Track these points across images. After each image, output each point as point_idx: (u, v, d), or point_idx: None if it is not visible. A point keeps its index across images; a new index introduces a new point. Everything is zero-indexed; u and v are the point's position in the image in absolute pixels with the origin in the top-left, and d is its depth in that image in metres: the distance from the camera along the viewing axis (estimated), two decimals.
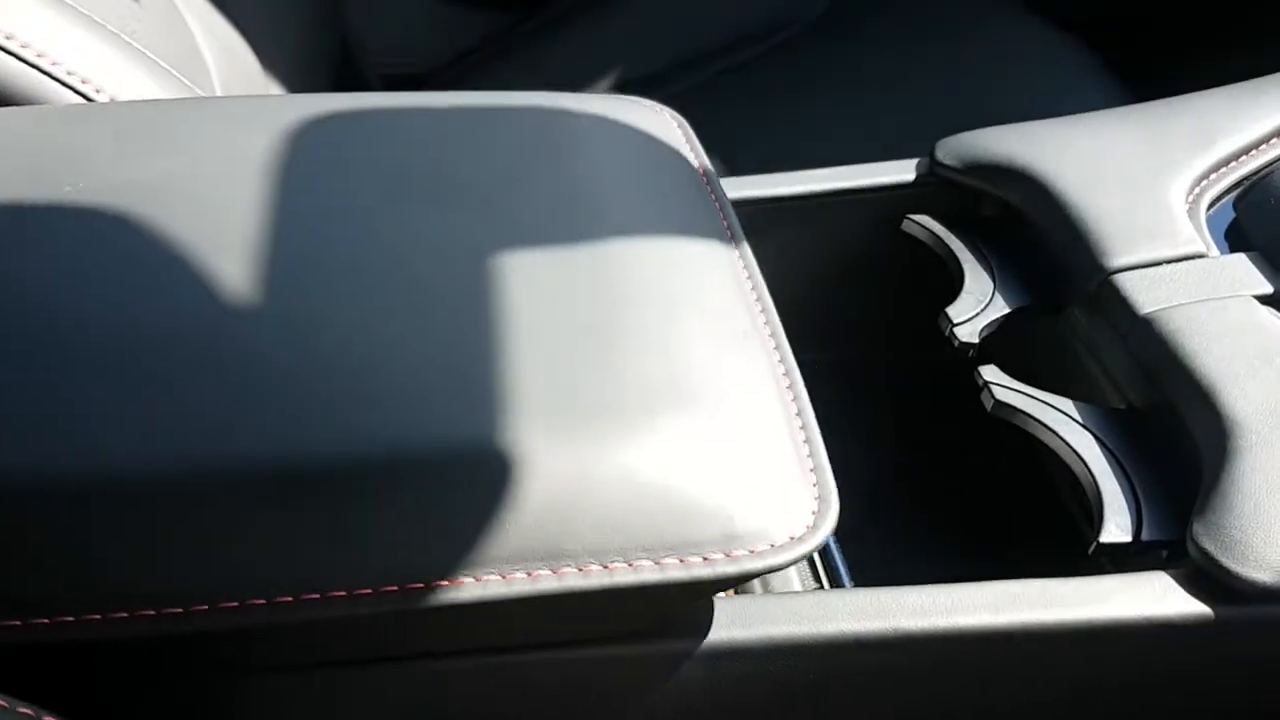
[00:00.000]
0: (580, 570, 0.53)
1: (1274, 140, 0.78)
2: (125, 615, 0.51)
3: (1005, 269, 0.77)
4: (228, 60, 0.93)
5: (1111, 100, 1.12)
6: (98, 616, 0.51)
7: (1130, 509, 0.63)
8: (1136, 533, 0.63)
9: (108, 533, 0.51)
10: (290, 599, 0.51)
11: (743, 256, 0.65)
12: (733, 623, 0.57)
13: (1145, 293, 0.70)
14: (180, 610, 0.51)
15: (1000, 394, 0.69)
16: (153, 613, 0.51)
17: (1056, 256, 0.75)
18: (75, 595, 0.51)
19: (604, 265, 0.61)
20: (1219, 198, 0.76)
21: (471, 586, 0.52)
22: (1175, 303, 0.69)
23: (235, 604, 0.51)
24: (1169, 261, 0.71)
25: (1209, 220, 0.75)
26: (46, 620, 0.51)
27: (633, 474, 0.53)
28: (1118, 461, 0.65)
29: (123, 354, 0.55)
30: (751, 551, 0.53)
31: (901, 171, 0.81)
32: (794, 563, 0.54)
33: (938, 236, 0.78)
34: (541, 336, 0.57)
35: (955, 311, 0.74)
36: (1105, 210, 0.73)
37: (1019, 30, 1.26)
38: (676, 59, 1.26)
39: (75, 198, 0.61)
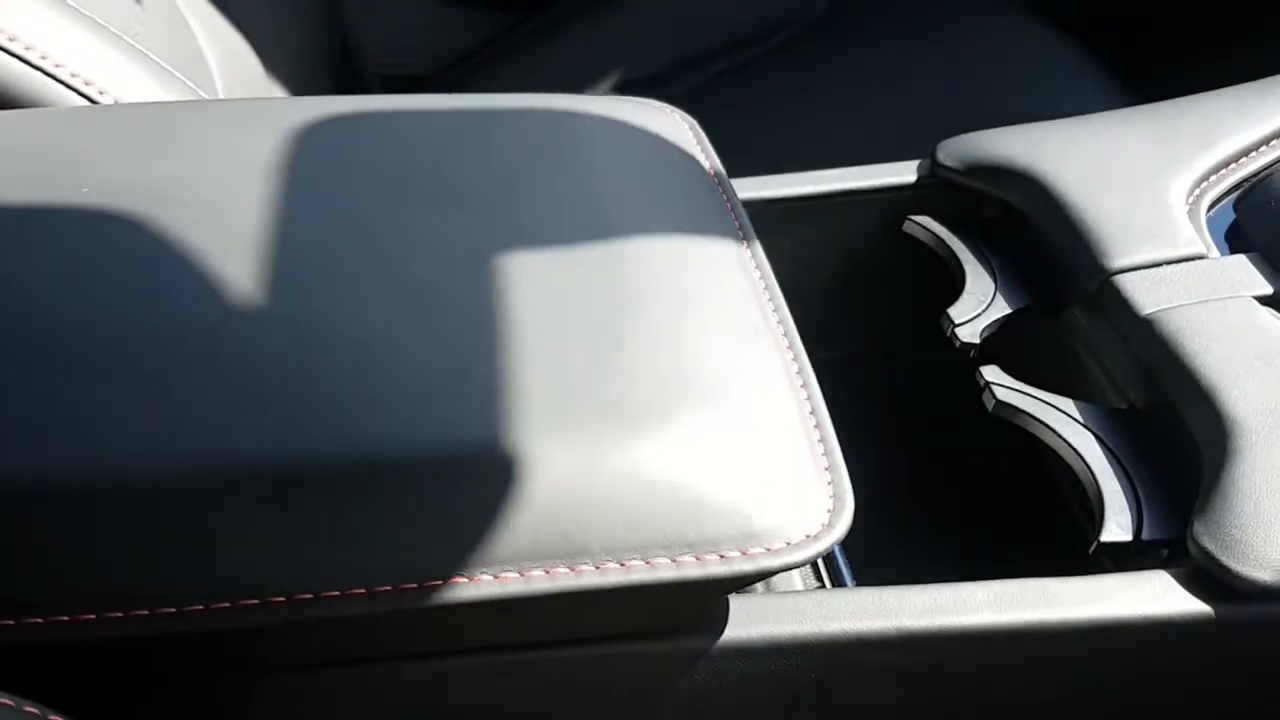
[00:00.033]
0: (598, 568, 0.53)
1: (1274, 142, 0.78)
2: (130, 615, 0.51)
3: (1006, 270, 0.77)
4: (230, 62, 0.94)
5: (1111, 101, 1.13)
6: (102, 615, 0.51)
7: (1131, 508, 0.64)
8: (1137, 532, 0.63)
9: (111, 533, 0.52)
10: (309, 596, 0.52)
11: (755, 255, 0.66)
12: (735, 622, 0.58)
13: (1146, 293, 0.70)
14: (187, 609, 0.51)
15: (1001, 394, 0.69)
16: (161, 611, 0.51)
17: (1057, 257, 0.75)
18: (78, 595, 0.51)
19: (613, 265, 0.61)
20: (1219, 199, 0.76)
21: (489, 584, 0.52)
22: (1176, 303, 0.69)
23: (241, 603, 0.51)
24: (1169, 262, 0.71)
25: (1209, 221, 0.75)
26: (50, 619, 0.51)
27: (646, 472, 0.53)
28: (1118, 461, 0.66)
29: (126, 356, 0.55)
30: (768, 549, 0.53)
31: (903, 173, 0.81)
32: (811, 560, 0.54)
33: (939, 237, 0.79)
34: (547, 336, 0.57)
35: (956, 312, 0.74)
36: (1106, 211, 0.73)
37: (1019, 30, 1.26)
38: (676, 60, 1.26)
39: (79, 200, 0.61)
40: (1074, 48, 1.24)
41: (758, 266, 0.65)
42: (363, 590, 0.52)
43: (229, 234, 0.60)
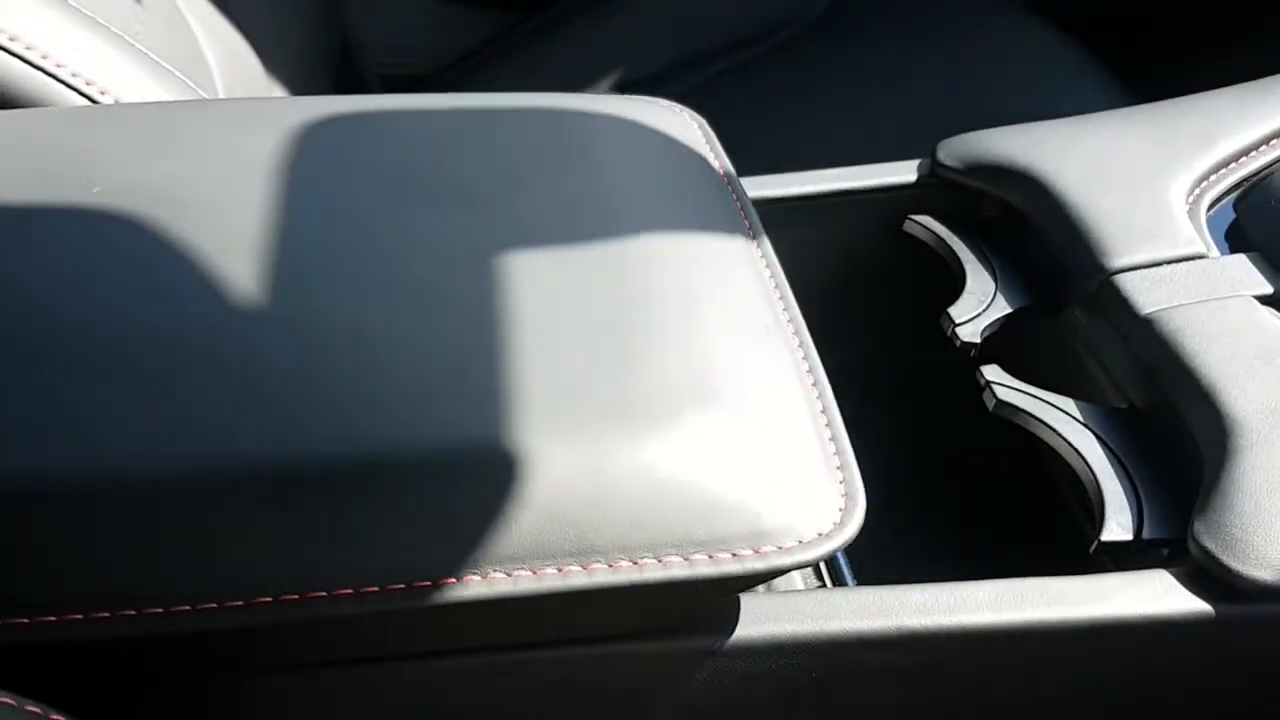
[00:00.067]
0: (611, 566, 0.53)
1: (1274, 141, 0.78)
2: (131, 613, 0.51)
3: (1007, 269, 0.77)
4: (230, 62, 0.94)
5: (1112, 101, 1.13)
6: (90, 615, 0.51)
7: (1131, 507, 0.64)
8: (1137, 531, 0.63)
9: (112, 533, 0.52)
10: (314, 595, 0.52)
11: (765, 254, 0.66)
12: (736, 621, 0.58)
13: (1146, 293, 0.70)
14: (187, 608, 0.51)
15: (1002, 393, 0.69)
16: (160, 611, 0.51)
17: (1057, 257, 0.75)
18: (80, 594, 0.51)
19: (620, 264, 0.61)
20: (1219, 198, 0.76)
21: (502, 581, 0.52)
22: (1176, 303, 0.69)
23: (231, 603, 0.51)
24: (1169, 262, 0.71)
25: (1209, 221, 0.75)
26: (37, 619, 0.51)
27: (653, 471, 0.53)
28: (1119, 460, 0.66)
29: (126, 356, 0.55)
30: (780, 548, 0.53)
31: (903, 172, 0.81)
32: (823, 558, 0.54)
33: (939, 237, 0.79)
34: (549, 336, 0.57)
35: (957, 311, 0.74)
36: (1106, 211, 0.73)
37: (1019, 30, 1.26)
38: (676, 59, 1.26)
39: (79, 199, 0.61)
40: (1074, 47, 1.24)
41: (768, 265, 0.65)
42: (375, 589, 0.52)
43: (229, 234, 0.60)
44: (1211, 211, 0.75)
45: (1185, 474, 0.63)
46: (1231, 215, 0.76)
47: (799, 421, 0.57)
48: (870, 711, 0.61)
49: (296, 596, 0.51)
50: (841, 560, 0.74)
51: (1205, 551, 0.59)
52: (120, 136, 0.66)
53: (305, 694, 0.57)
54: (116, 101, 0.74)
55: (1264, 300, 0.70)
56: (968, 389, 0.71)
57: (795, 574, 0.71)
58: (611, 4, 1.30)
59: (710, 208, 0.67)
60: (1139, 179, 0.75)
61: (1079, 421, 0.67)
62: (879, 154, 0.83)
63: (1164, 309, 0.69)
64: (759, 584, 0.57)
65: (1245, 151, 0.77)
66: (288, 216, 0.61)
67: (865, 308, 0.84)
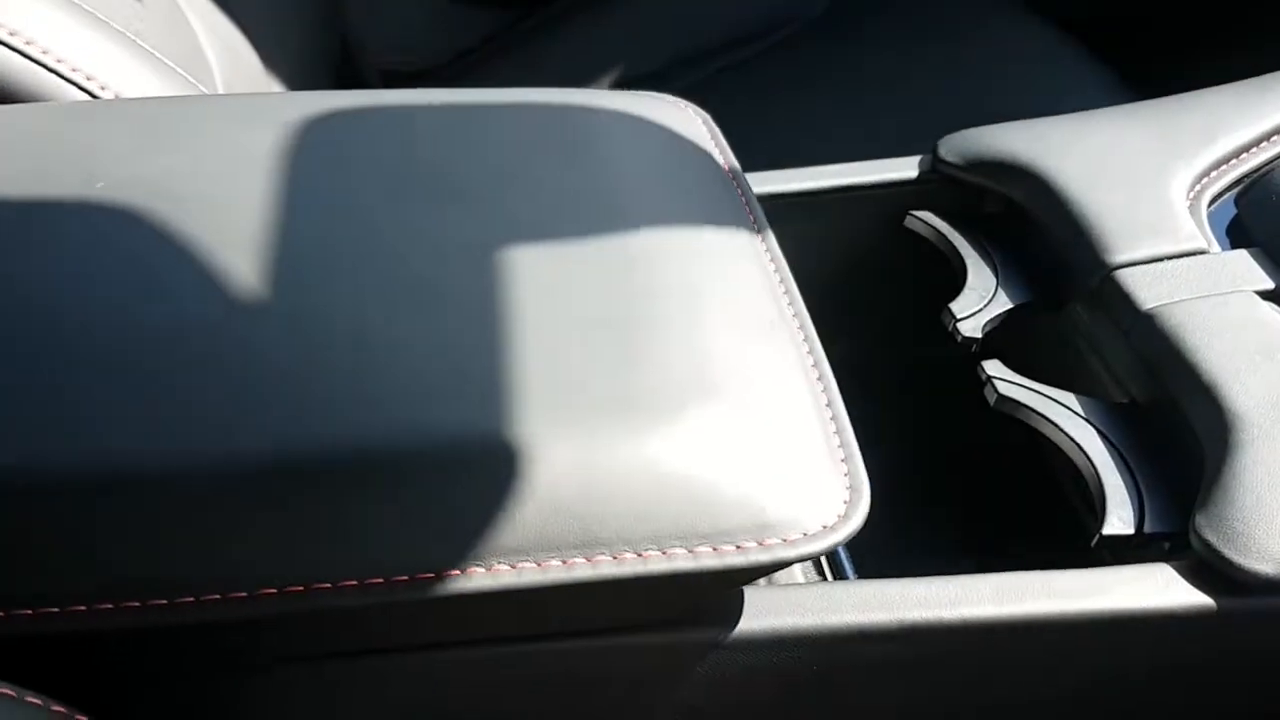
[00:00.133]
0: (615, 558, 0.53)
1: (1275, 138, 0.78)
2: (137, 605, 0.51)
3: (1008, 265, 0.77)
4: (230, 60, 0.94)
5: (1112, 100, 1.11)
6: (109, 605, 0.51)
7: (1133, 502, 0.64)
8: (1139, 525, 0.63)
9: (115, 528, 0.52)
10: (319, 587, 0.52)
11: (770, 248, 0.66)
12: (737, 614, 0.58)
13: (1147, 288, 0.70)
14: (191, 599, 0.51)
15: (1003, 388, 0.69)
16: (164, 602, 0.51)
17: (1059, 252, 0.75)
18: (83, 587, 0.51)
19: (623, 259, 0.61)
20: (1220, 194, 0.76)
21: (506, 574, 0.52)
22: (1177, 298, 0.69)
23: (233, 595, 0.51)
24: (1171, 257, 0.71)
25: (1210, 217, 0.75)
26: (40, 611, 0.51)
27: (657, 463, 0.53)
28: (1120, 455, 0.66)
29: (126, 353, 0.55)
30: (784, 540, 0.53)
31: (904, 168, 0.81)
32: (828, 550, 0.54)
33: (941, 233, 0.79)
34: (549, 331, 0.57)
35: (958, 307, 0.74)
36: (1107, 207, 0.73)
37: (1019, 30, 1.26)
38: (677, 57, 1.26)
39: (79, 195, 0.61)
40: (1074, 47, 1.24)
41: (773, 260, 0.65)
42: (379, 580, 0.52)
43: (228, 229, 0.60)
44: (1213, 207, 0.75)
45: (1186, 469, 0.63)
46: (1233, 211, 0.76)
47: (803, 415, 0.57)
48: (871, 705, 0.61)
49: (301, 588, 0.52)
50: (843, 555, 0.74)
51: (1207, 545, 0.59)
52: (120, 131, 0.66)
53: (308, 686, 0.57)
54: (116, 97, 0.74)
55: (1265, 295, 0.70)
56: (969, 384, 0.71)
57: (796, 569, 0.71)
58: (611, 2, 1.30)
59: (715, 202, 0.67)
60: (1140, 175, 0.75)
61: (1080, 416, 0.67)
62: (879, 153, 0.83)
63: (1165, 304, 0.69)
64: (762, 576, 0.57)
65: (1246, 148, 0.77)
66: (287, 212, 0.61)
67: (867, 303, 0.84)
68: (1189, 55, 1.25)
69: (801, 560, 0.54)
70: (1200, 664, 0.62)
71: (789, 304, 0.63)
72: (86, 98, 0.74)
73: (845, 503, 0.55)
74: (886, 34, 1.27)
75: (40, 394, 0.54)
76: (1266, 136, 0.77)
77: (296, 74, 1.04)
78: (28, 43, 0.72)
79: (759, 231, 0.66)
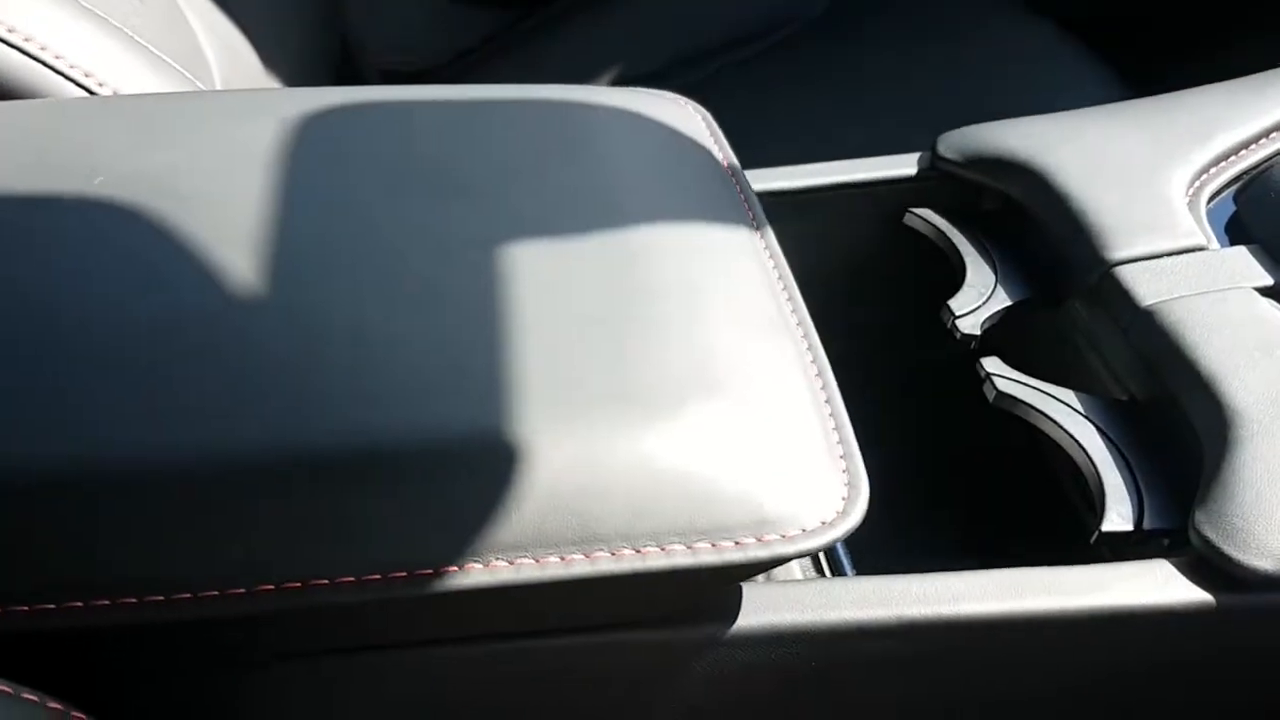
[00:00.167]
0: (613, 554, 0.53)
1: (1274, 134, 0.78)
2: (133, 601, 0.51)
3: (1007, 262, 0.77)
4: (229, 59, 0.94)
5: (1111, 99, 1.12)
6: (106, 601, 0.51)
7: (1132, 498, 0.64)
8: (1138, 521, 0.63)
9: (111, 523, 0.52)
10: (314, 583, 0.51)
11: (769, 245, 0.66)
12: (736, 610, 0.57)
13: (1146, 285, 0.70)
14: (188, 596, 0.51)
15: (1002, 385, 0.69)
16: (161, 598, 0.51)
17: (1057, 249, 0.75)
18: (80, 583, 0.51)
19: (622, 256, 0.61)
20: (1219, 191, 0.76)
21: (504, 570, 0.52)
22: (1176, 295, 0.69)
23: (232, 591, 0.51)
24: (1169, 254, 0.71)
25: (1209, 213, 0.75)
26: (52, 605, 0.51)
27: (656, 460, 0.53)
28: (1119, 452, 0.66)
29: (124, 349, 0.55)
30: (783, 536, 0.53)
31: (903, 165, 0.81)
32: (826, 546, 0.54)
33: (939, 230, 0.79)
34: (548, 328, 0.57)
35: (957, 304, 0.74)
36: (1106, 203, 0.73)
37: (1019, 30, 1.26)
38: (676, 56, 1.26)
39: (77, 190, 0.61)
40: (1074, 47, 1.24)
41: (772, 257, 0.65)
42: (377, 576, 0.52)
43: (226, 225, 0.60)
44: (1211, 204, 0.75)
45: (1186, 465, 0.63)
46: (1231, 208, 0.76)
47: (802, 411, 0.57)
48: (870, 702, 0.61)
49: (298, 584, 0.51)
50: (842, 554, 0.74)
51: (1206, 541, 0.59)
52: (118, 128, 0.66)
53: (306, 682, 0.57)
54: (114, 93, 0.74)
55: (1264, 292, 0.69)
56: (968, 384, 0.71)
57: (795, 565, 0.70)
58: (611, 2, 1.30)
59: (714, 199, 0.67)
60: (1139, 172, 0.75)
61: (1079, 413, 0.67)
62: (879, 152, 0.82)
63: (1164, 301, 0.69)
64: (761, 572, 0.57)
65: (1245, 144, 0.77)
66: (285, 208, 0.61)
67: (865, 301, 0.84)
68: (1188, 54, 1.25)
69: (800, 556, 0.54)
70: (1199, 661, 0.62)
71: (788, 301, 0.63)
72: (84, 94, 0.74)
73: (844, 499, 0.55)
74: (886, 33, 1.27)
75: (34, 390, 0.54)
76: (1265, 133, 0.77)
77: (296, 73, 1.04)
78: (26, 39, 0.72)
79: (758, 228, 0.66)
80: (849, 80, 1.22)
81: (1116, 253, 0.71)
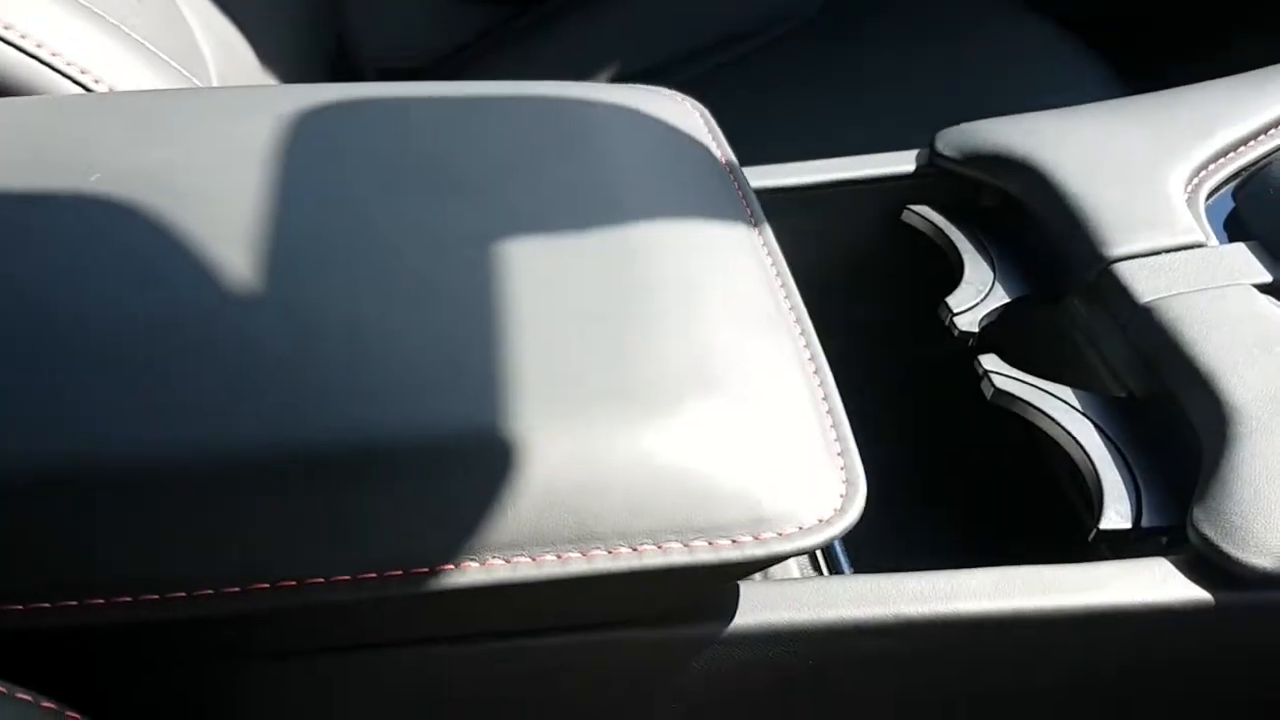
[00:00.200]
0: (610, 552, 0.52)
1: (1273, 131, 0.78)
2: (128, 600, 0.51)
3: (1005, 259, 0.77)
4: (225, 56, 0.94)
5: (1111, 97, 1.12)
6: (100, 601, 0.51)
7: (1130, 496, 0.63)
8: (1136, 519, 0.63)
9: (106, 521, 0.51)
10: (311, 581, 0.51)
11: (767, 242, 0.65)
12: (733, 609, 0.57)
13: (1144, 282, 0.70)
14: (183, 595, 0.51)
15: (1000, 382, 0.69)
16: (155, 597, 0.51)
17: (1056, 246, 0.75)
18: (74, 582, 0.51)
19: (619, 252, 0.61)
20: (1218, 188, 0.76)
21: (500, 568, 0.52)
22: (1174, 291, 0.69)
23: (227, 590, 0.51)
24: (1168, 251, 0.71)
25: (1208, 210, 0.75)
26: (47, 604, 0.51)
27: (653, 457, 0.53)
28: (1117, 449, 0.65)
29: (120, 346, 0.55)
30: (780, 534, 0.53)
31: (901, 162, 0.81)
32: (823, 545, 0.54)
33: (937, 227, 0.78)
34: (547, 323, 0.57)
35: (955, 301, 0.74)
36: (1104, 200, 0.73)
37: (1019, 29, 1.26)
38: (672, 54, 1.26)
39: (73, 187, 0.61)
40: (1073, 46, 1.24)
41: (769, 253, 0.65)
42: (372, 575, 0.51)
43: (223, 221, 0.60)
44: (1210, 201, 0.75)
45: (1184, 462, 0.63)
46: (1230, 204, 0.76)
47: (800, 408, 0.57)
48: (867, 700, 0.61)
49: (294, 583, 0.51)
50: (839, 551, 0.74)
51: (1204, 539, 0.59)
52: (114, 124, 0.66)
53: (302, 680, 0.56)
54: (111, 90, 0.74)
55: (1263, 288, 0.69)
56: (966, 381, 0.71)
57: (792, 564, 0.70)
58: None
59: (712, 196, 0.67)
60: (1137, 168, 0.75)
61: (1077, 410, 0.67)
62: (878, 149, 0.82)
63: (1163, 297, 0.68)
64: (758, 571, 0.57)
65: (1244, 141, 0.77)
66: (281, 204, 0.61)
67: (863, 298, 0.84)
68: (1188, 53, 1.24)
69: (797, 555, 0.54)
70: (1198, 658, 0.62)
71: (786, 298, 0.63)
72: (81, 91, 0.73)
73: (841, 496, 0.55)
74: (886, 32, 1.27)
75: (31, 386, 0.54)
76: (1264, 130, 0.77)
77: (292, 71, 1.05)
78: (22, 36, 0.72)
79: (756, 225, 0.66)
80: (848, 79, 1.21)
81: (1115, 249, 0.71)
